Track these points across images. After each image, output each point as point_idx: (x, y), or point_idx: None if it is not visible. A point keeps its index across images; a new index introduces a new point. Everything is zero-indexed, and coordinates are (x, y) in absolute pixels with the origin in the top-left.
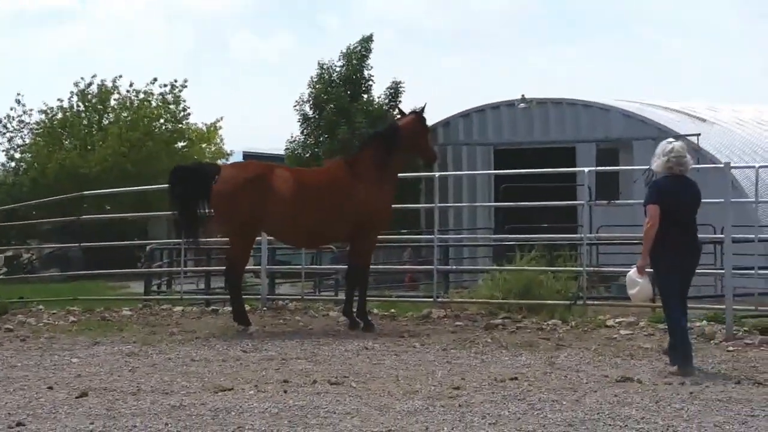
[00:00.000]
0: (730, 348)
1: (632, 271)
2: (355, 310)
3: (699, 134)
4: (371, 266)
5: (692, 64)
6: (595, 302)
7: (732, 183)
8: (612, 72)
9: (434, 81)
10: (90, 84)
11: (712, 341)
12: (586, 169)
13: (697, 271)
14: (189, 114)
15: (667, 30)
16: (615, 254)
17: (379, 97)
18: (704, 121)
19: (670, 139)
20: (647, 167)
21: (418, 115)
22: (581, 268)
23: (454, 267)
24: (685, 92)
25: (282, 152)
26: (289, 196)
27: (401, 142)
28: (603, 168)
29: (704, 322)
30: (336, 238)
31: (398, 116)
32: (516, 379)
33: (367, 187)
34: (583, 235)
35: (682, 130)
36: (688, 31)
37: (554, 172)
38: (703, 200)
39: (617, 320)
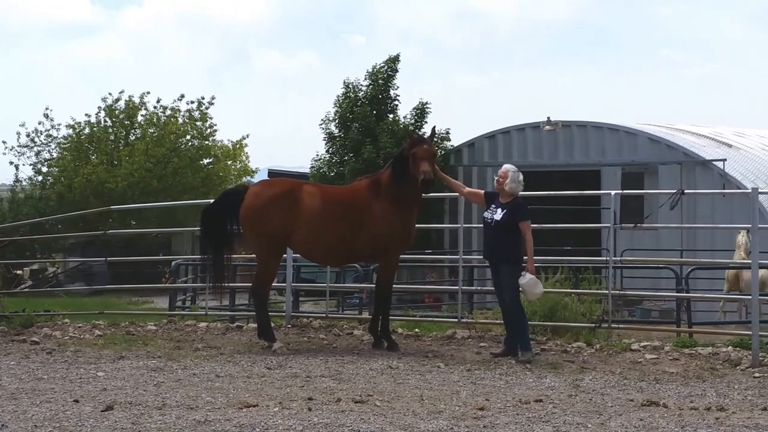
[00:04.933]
0: (756, 374)
1: (530, 277)
2: (379, 329)
3: (725, 159)
4: (395, 285)
5: (719, 88)
6: (620, 326)
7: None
8: (637, 94)
9: (458, 100)
10: (118, 100)
11: (738, 367)
12: (612, 192)
13: (723, 296)
14: (215, 131)
15: (694, 53)
16: (639, 278)
17: (405, 117)
18: (730, 146)
19: (512, 167)
20: (675, 191)
21: (411, 136)
22: (606, 291)
23: (479, 288)
24: (712, 116)
25: (307, 170)
26: (316, 212)
27: (407, 163)
28: (629, 191)
29: (730, 348)
30: (359, 257)
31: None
32: (541, 401)
33: (385, 207)
34: (608, 258)
35: (708, 155)
36: (714, 54)
37: (579, 194)
38: (730, 225)
39: (642, 344)
